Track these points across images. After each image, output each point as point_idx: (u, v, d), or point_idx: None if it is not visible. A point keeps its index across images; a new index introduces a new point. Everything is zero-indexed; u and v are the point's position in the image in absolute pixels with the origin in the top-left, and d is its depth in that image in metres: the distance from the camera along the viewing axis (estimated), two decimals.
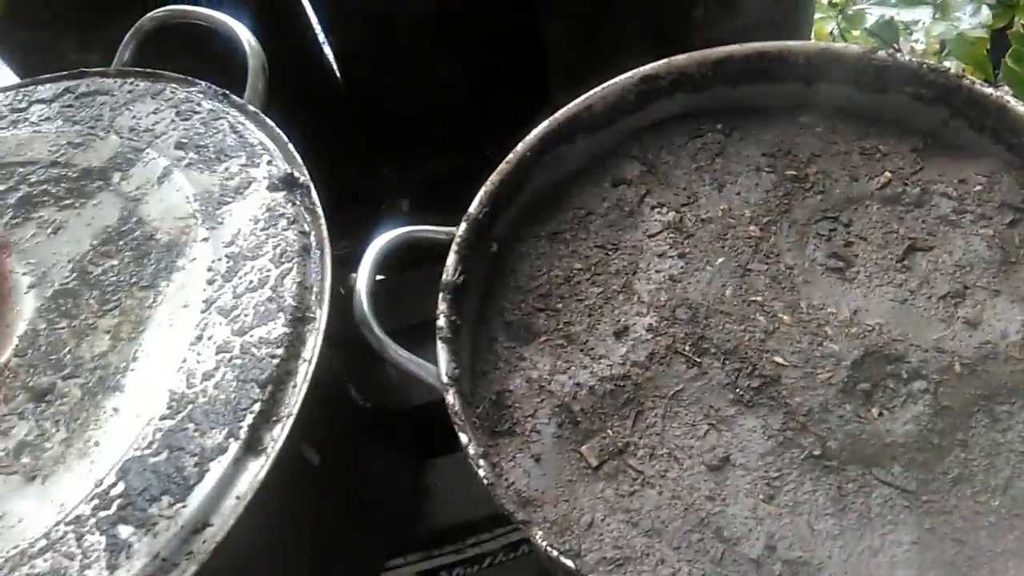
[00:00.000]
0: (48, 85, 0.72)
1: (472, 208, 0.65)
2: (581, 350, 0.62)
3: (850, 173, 0.67)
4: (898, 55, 0.67)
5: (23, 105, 0.70)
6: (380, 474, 0.79)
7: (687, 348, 0.60)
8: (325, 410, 0.59)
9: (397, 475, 0.82)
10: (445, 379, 0.57)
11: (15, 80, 0.82)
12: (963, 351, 0.57)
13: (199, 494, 0.47)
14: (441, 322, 0.60)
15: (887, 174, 0.66)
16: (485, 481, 0.52)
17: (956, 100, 0.65)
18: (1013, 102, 0.61)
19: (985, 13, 0.86)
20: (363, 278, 0.62)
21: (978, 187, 0.64)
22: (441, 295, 0.62)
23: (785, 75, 0.70)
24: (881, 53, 0.66)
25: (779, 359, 0.58)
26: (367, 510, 0.76)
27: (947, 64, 0.66)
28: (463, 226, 0.65)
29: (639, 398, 0.59)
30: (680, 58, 0.71)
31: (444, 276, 0.62)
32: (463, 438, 0.54)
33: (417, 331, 0.63)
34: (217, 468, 0.48)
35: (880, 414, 0.55)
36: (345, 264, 0.63)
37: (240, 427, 0.50)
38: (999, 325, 0.57)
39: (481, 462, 0.53)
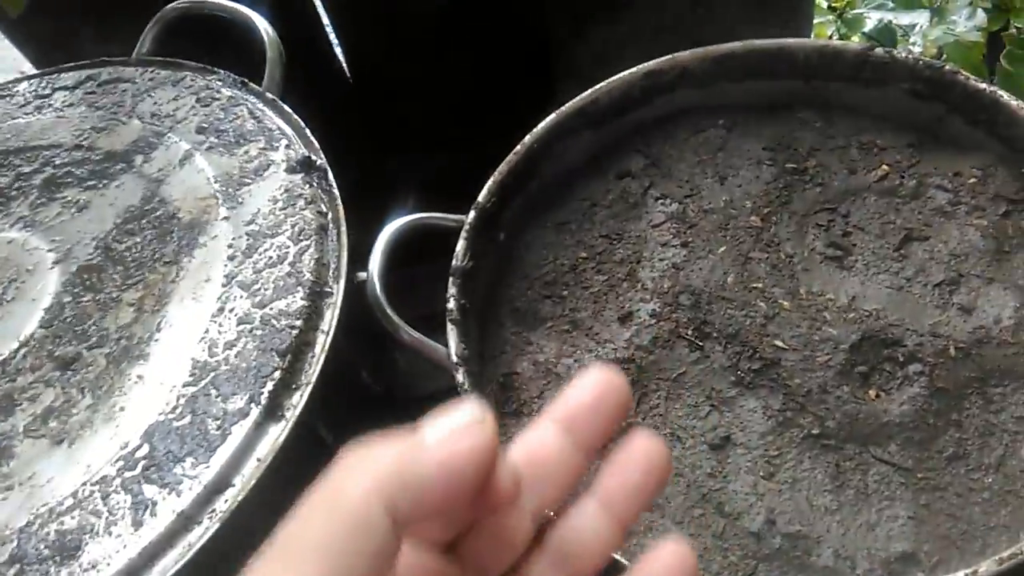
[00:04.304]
0: (71, 73, 0.74)
1: (481, 197, 0.67)
2: (587, 335, 0.63)
3: (848, 166, 0.69)
4: (895, 52, 0.69)
5: (47, 92, 0.72)
6: None
7: (690, 332, 0.61)
8: (338, 392, 0.61)
9: None
10: (455, 359, 0.58)
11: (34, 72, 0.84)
12: (958, 336, 0.58)
13: (221, 456, 0.49)
14: (451, 305, 0.61)
15: (884, 167, 0.68)
16: None
17: (951, 95, 0.66)
18: (1006, 97, 0.63)
19: (981, 16, 0.89)
20: (376, 261, 0.63)
21: (972, 180, 0.65)
22: (451, 279, 0.63)
23: (785, 72, 0.72)
24: (879, 50, 0.68)
25: (779, 343, 0.60)
26: None
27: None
28: (472, 214, 0.66)
29: (643, 380, 0.60)
30: (683, 55, 0.72)
31: (454, 262, 0.64)
32: None
33: (424, 323, 0.64)
34: (239, 431, 0.50)
35: (877, 395, 0.57)
36: (352, 258, 0.64)
37: (261, 393, 0.51)
38: (992, 311, 0.59)
39: None
